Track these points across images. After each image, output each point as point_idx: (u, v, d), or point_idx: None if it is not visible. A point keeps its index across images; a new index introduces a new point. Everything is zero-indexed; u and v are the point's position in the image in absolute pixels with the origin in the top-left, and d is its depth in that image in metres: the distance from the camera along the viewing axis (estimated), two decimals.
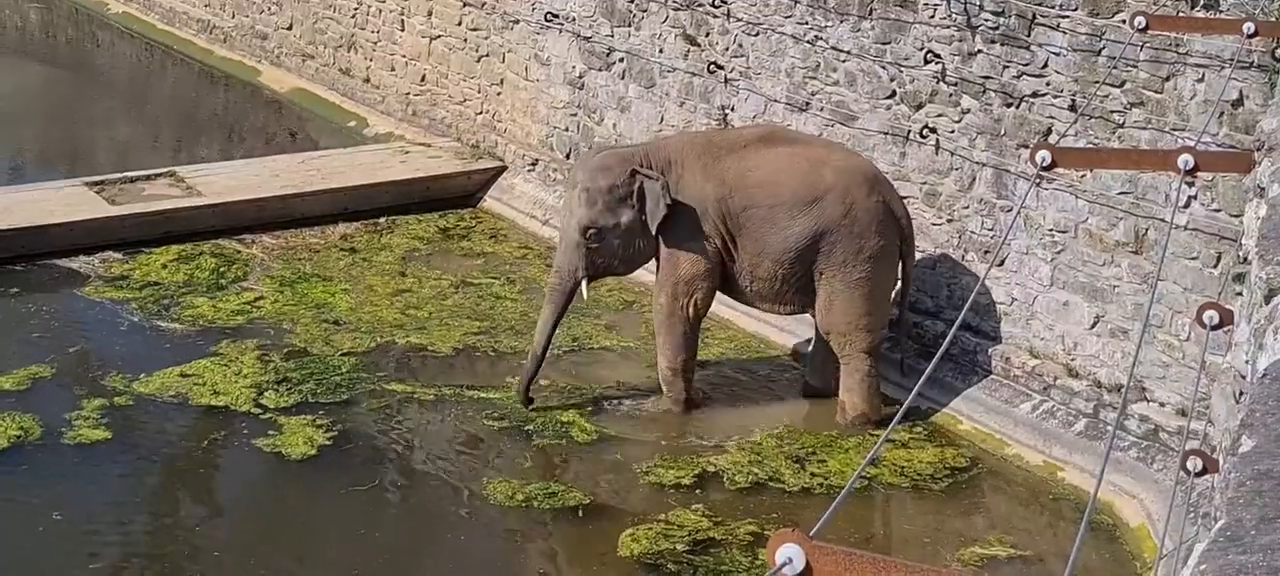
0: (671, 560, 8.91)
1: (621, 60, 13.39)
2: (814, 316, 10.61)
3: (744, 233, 10.39)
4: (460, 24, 15.18)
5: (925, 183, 11.13)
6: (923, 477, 9.88)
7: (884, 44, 11.26)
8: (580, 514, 9.44)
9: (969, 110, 10.78)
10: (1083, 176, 10.09)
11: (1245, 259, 5.37)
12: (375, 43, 16.40)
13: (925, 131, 11.05)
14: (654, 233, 10.40)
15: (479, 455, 10.13)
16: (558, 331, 10.78)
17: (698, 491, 9.69)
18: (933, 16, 10.89)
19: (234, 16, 18.67)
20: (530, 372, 10.51)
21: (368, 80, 16.59)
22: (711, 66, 12.56)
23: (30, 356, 10.96)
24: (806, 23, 11.77)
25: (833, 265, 10.31)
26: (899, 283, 10.69)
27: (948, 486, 9.86)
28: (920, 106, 11.09)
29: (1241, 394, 4.34)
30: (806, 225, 10.28)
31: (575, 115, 13.95)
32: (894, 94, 11.25)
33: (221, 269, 12.69)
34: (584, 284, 10.53)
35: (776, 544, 2.81)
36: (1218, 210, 9.38)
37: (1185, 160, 5.65)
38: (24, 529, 9.12)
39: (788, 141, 10.78)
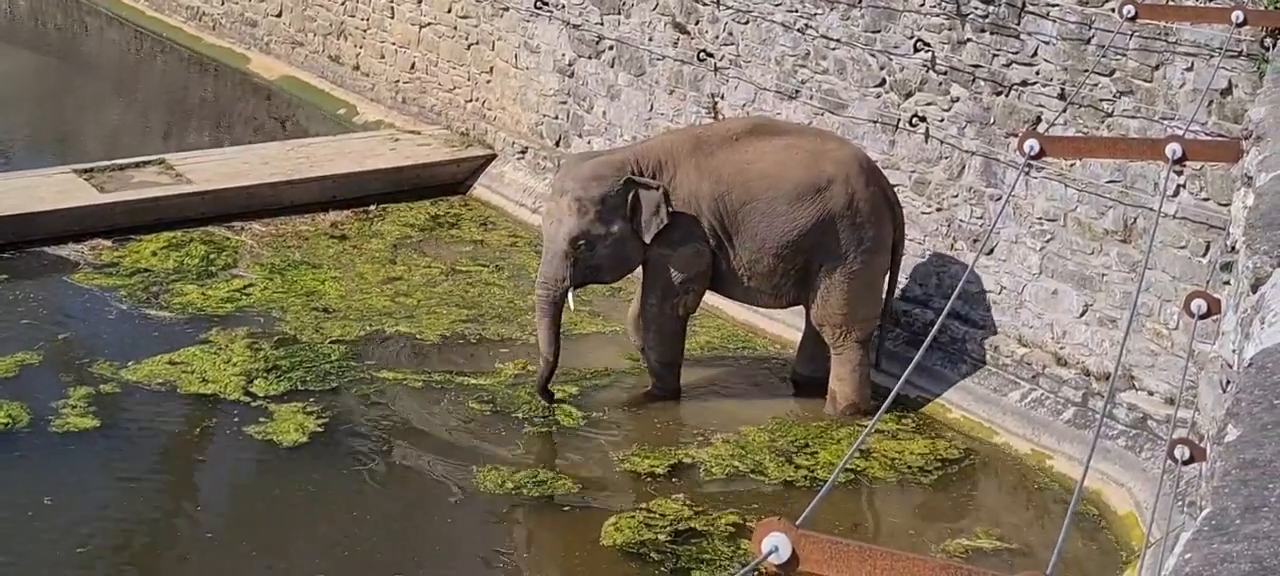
0: (654, 549, 8.92)
1: (611, 48, 13.38)
2: (806, 308, 10.59)
3: (743, 229, 10.30)
4: (450, 11, 15.16)
5: (914, 171, 11.14)
6: (912, 470, 9.88)
7: (874, 32, 11.25)
8: (566, 503, 9.44)
9: (958, 99, 10.78)
10: (1071, 165, 10.10)
11: (1233, 248, 5.37)
12: (365, 30, 16.37)
13: (915, 120, 11.05)
14: (647, 242, 10.33)
15: (469, 442, 10.12)
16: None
17: (677, 480, 9.70)
18: (922, 5, 10.89)
19: (223, 3, 18.63)
20: (545, 375, 10.39)
21: (357, 67, 16.57)
22: (701, 54, 12.56)
23: (18, 343, 10.93)
24: (796, 11, 11.77)
25: (833, 256, 10.27)
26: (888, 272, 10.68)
27: (937, 478, 9.87)
28: (910, 95, 11.09)
29: (1228, 383, 4.34)
30: (810, 217, 10.22)
31: (565, 103, 13.94)
32: (884, 82, 11.25)
33: (211, 256, 12.67)
34: (570, 294, 10.39)
35: (763, 532, 2.81)
36: (1206, 199, 9.40)
37: (1173, 149, 5.66)
38: (13, 516, 9.10)
39: (779, 132, 10.69)
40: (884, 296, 10.65)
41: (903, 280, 11.22)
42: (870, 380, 10.55)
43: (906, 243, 10.84)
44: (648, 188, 10.19)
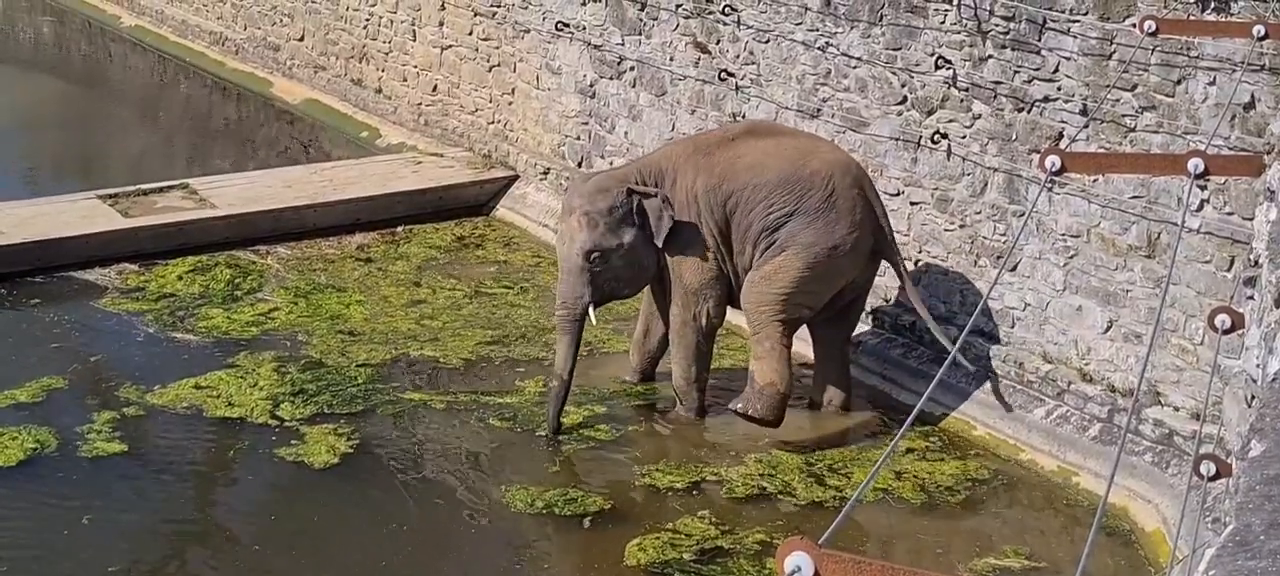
0: (679, 569, 8.91)
1: (632, 68, 13.41)
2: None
3: (733, 220, 10.38)
4: (471, 34, 15.22)
5: (937, 188, 11.13)
6: (941, 490, 9.84)
7: (895, 50, 11.26)
8: (586, 522, 9.44)
9: (980, 115, 10.78)
10: (1094, 181, 10.09)
11: (1256, 262, 5.36)
12: (387, 53, 16.44)
13: (937, 137, 11.05)
14: (660, 246, 10.37)
15: (497, 461, 10.15)
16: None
17: (704, 499, 9.69)
18: (943, 22, 10.89)
19: (246, 28, 18.73)
20: (558, 403, 10.40)
21: (380, 90, 16.63)
22: (722, 74, 12.57)
23: (47, 368, 11.00)
24: (817, 29, 11.78)
25: (796, 243, 10.26)
26: (894, 284, 10.63)
27: (965, 497, 9.84)
28: (931, 112, 11.09)
29: (1252, 398, 4.33)
30: (787, 205, 10.27)
31: (587, 124, 13.97)
32: (905, 100, 11.25)
33: (236, 280, 12.72)
34: (591, 310, 10.45)
35: (786, 552, 2.81)
36: (1230, 213, 9.37)
37: (1195, 164, 5.64)
38: (46, 539, 9.14)
39: (774, 133, 10.88)
40: (826, 302, 10.54)
41: (924, 296, 11.21)
42: (791, 361, 10.44)
43: (930, 260, 10.82)
44: (647, 195, 10.31)
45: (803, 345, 10.92)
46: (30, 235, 12.91)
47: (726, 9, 12.42)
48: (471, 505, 9.68)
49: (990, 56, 10.64)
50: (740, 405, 10.39)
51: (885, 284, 11.20)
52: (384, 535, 9.31)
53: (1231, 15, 9.19)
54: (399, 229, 13.95)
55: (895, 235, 10.69)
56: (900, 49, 11.22)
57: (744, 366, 11.40)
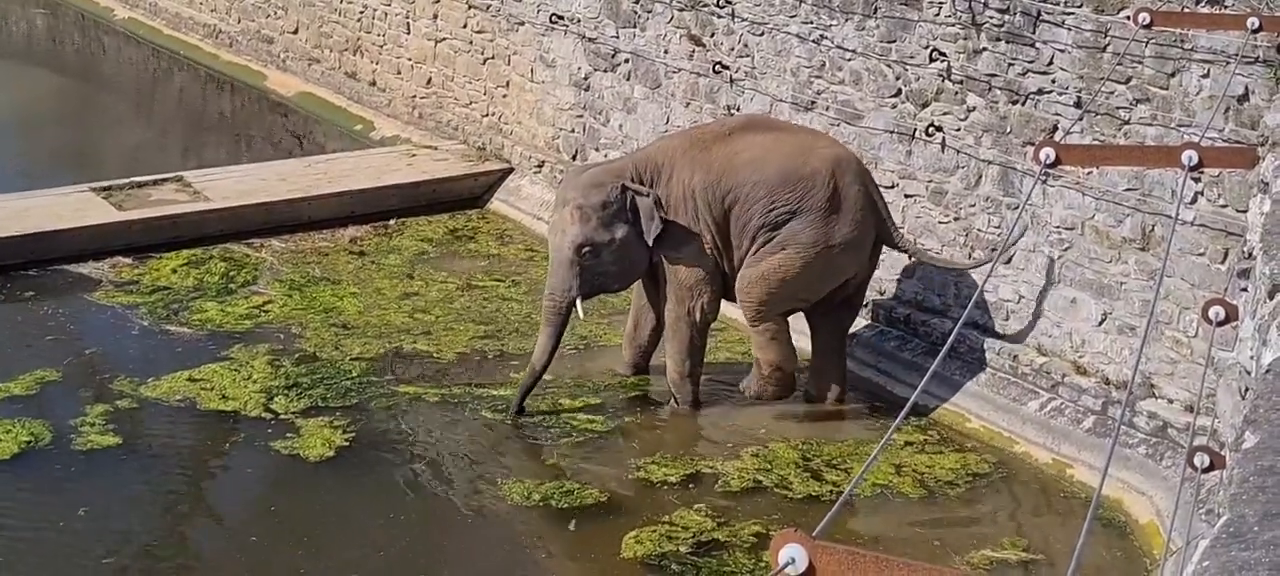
0: (675, 561, 8.92)
1: (627, 61, 13.40)
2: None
3: (732, 217, 10.38)
4: (465, 26, 15.20)
5: (931, 181, 11.13)
6: (940, 484, 9.84)
7: (889, 42, 11.26)
8: (587, 514, 9.44)
9: (975, 108, 10.78)
10: (1089, 173, 10.09)
11: (1250, 254, 5.37)
12: (381, 46, 16.42)
13: (931, 130, 11.05)
14: (650, 244, 10.38)
15: (493, 455, 10.15)
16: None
17: (703, 492, 9.70)
18: (938, 14, 10.89)
19: (240, 21, 18.71)
20: (526, 388, 10.49)
21: (374, 83, 16.62)
22: (717, 67, 12.57)
23: (40, 361, 10.99)
24: (811, 22, 11.78)
25: (796, 242, 10.28)
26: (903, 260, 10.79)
27: (963, 490, 9.84)
28: (926, 105, 11.09)
29: (1246, 390, 4.34)
30: (789, 203, 10.27)
31: (581, 116, 13.96)
32: (899, 92, 11.25)
33: (231, 273, 12.71)
34: (579, 302, 10.49)
35: (779, 544, 2.82)
36: (1224, 205, 9.38)
37: (1189, 156, 5.65)
38: (42, 529, 9.14)
39: (771, 128, 10.87)
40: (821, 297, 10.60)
41: (919, 289, 11.22)
42: (793, 344, 10.57)
43: (925, 253, 10.82)
44: (640, 194, 10.31)
45: (802, 340, 10.93)
46: (23, 228, 12.90)
47: (721, 1, 12.42)
48: (467, 498, 9.68)
49: (984, 49, 10.64)
50: (754, 389, 10.63)
51: (880, 277, 11.20)
52: (380, 528, 9.31)
53: (1225, 7, 9.20)
54: (392, 221, 13.94)
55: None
56: (895, 41, 11.22)
57: (740, 359, 11.41)
